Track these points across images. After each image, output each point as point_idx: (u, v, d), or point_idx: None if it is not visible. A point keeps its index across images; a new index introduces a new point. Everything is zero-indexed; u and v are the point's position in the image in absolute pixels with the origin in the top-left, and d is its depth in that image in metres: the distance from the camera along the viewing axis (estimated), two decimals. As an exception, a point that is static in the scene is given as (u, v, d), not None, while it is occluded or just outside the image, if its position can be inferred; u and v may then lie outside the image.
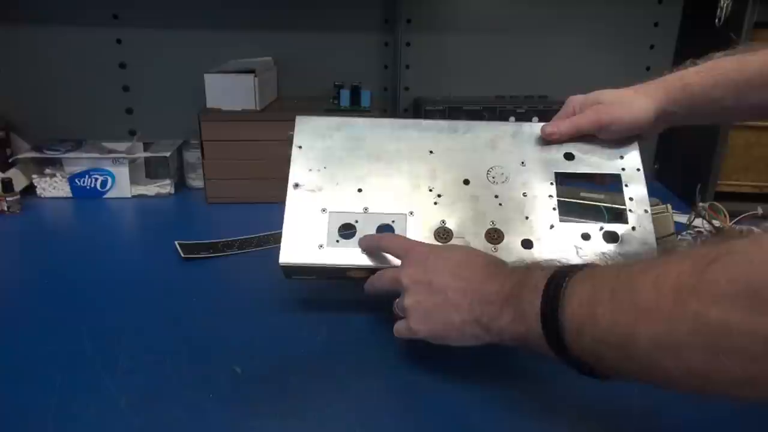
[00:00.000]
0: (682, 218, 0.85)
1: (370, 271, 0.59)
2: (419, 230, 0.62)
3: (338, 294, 0.71)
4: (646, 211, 0.63)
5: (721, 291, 0.32)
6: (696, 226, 0.81)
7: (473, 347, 0.50)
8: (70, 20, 1.08)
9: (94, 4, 1.08)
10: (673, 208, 0.72)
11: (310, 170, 0.65)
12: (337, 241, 0.61)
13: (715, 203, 0.79)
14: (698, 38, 1.12)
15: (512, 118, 0.70)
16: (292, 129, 0.68)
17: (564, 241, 0.61)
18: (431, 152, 0.66)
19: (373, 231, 0.62)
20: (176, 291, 0.72)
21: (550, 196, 0.63)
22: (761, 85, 0.61)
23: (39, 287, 0.73)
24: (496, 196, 0.63)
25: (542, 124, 0.67)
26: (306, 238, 0.61)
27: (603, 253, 0.60)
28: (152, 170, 1.09)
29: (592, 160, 0.65)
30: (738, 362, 0.31)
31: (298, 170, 0.65)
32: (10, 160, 1.05)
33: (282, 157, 0.66)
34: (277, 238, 0.67)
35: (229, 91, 1.01)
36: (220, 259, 0.81)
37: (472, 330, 0.49)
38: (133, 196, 1.06)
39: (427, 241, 0.60)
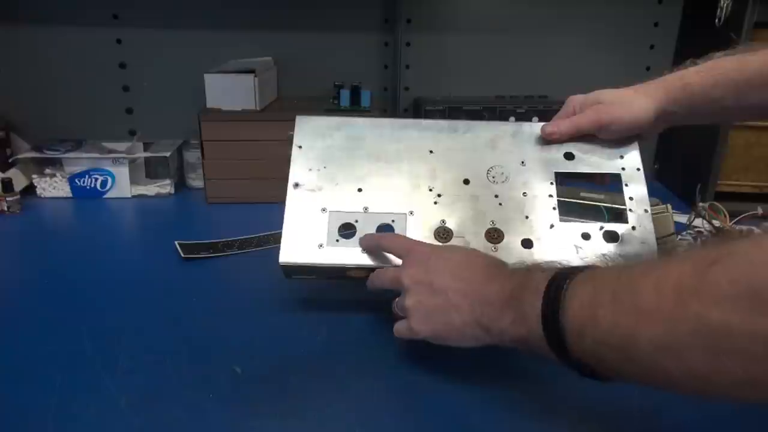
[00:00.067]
0: (682, 218, 0.85)
1: (370, 270, 0.59)
2: (419, 230, 0.62)
3: (338, 294, 0.71)
4: (646, 210, 0.63)
5: (722, 292, 0.32)
6: (696, 226, 0.81)
7: (473, 348, 0.50)
8: (70, 20, 1.08)
9: (94, 4, 1.08)
10: (673, 208, 0.72)
11: (310, 170, 0.65)
12: (337, 240, 0.61)
13: (715, 203, 0.79)
14: (698, 38, 1.12)
15: (512, 118, 0.69)
16: (292, 129, 0.68)
17: (564, 241, 0.61)
18: (431, 152, 0.66)
19: (373, 231, 0.62)
20: (176, 291, 0.72)
21: (550, 195, 0.63)
22: (761, 85, 0.61)
23: (39, 287, 0.73)
24: (496, 196, 0.63)
25: (542, 123, 0.67)
26: (306, 238, 0.61)
27: (603, 254, 0.60)
28: (152, 170, 1.09)
29: (592, 160, 0.65)
30: (739, 363, 0.31)
31: (298, 170, 0.65)
32: (10, 160, 1.05)
33: (282, 157, 0.66)
34: (277, 238, 0.67)
35: (229, 91, 1.01)
36: (220, 259, 0.81)
37: (472, 331, 0.49)
38: (133, 196, 1.06)
39: (427, 241, 0.60)
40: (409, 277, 0.53)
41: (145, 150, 1.09)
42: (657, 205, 0.69)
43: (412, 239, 0.59)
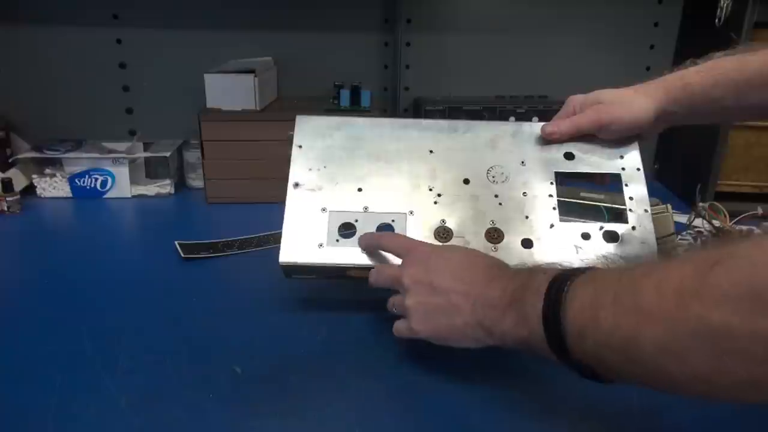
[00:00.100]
0: (682, 218, 0.85)
1: (370, 270, 0.59)
2: (419, 230, 0.61)
3: (338, 294, 0.71)
4: (646, 210, 0.63)
5: (723, 294, 0.32)
6: (696, 226, 0.81)
7: (474, 347, 0.50)
8: (70, 20, 1.08)
9: (94, 4, 1.08)
10: (673, 208, 0.72)
11: (310, 170, 0.65)
12: (337, 240, 0.61)
13: (715, 203, 0.79)
14: (698, 38, 1.12)
15: (512, 118, 0.70)
16: (292, 129, 0.68)
17: (564, 241, 0.61)
18: (431, 152, 0.66)
19: (373, 230, 0.62)
20: (176, 291, 0.72)
21: (550, 195, 0.63)
22: (761, 85, 0.61)
23: (39, 287, 0.73)
24: (496, 196, 0.63)
25: (542, 123, 0.67)
26: (306, 238, 0.61)
27: (604, 256, 0.60)
28: (152, 170, 1.09)
29: (592, 160, 0.65)
30: (742, 365, 0.31)
31: (298, 170, 0.65)
32: (10, 160, 1.05)
33: (282, 157, 0.66)
34: (277, 238, 0.67)
35: (229, 91, 1.01)
36: (220, 259, 0.81)
37: (473, 333, 0.48)
38: (133, 196, 1.06)
39: (427, 241, 0.60)
40: (409, 277, 0.52)
41: (145, 150, 1.09)
42: (657, 205, 0.69)
43: (412, 239, 0.59)
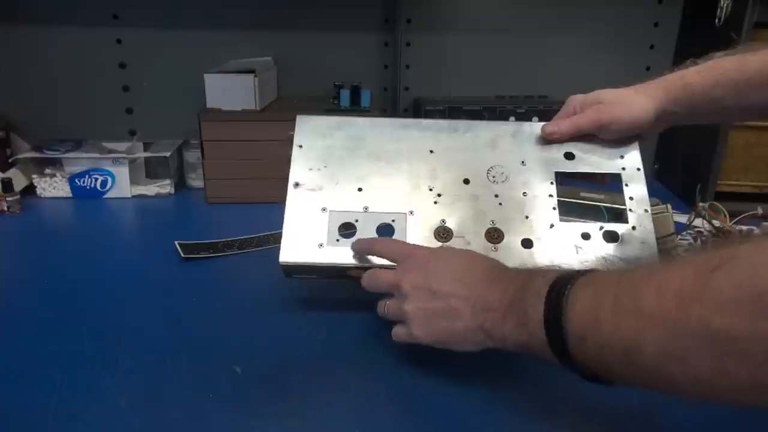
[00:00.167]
0: (682, 218, 0.85)
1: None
2: (419, 229, 0.61)
3: (338, 294, 0.71)
4: (646, 210, 0.63)
5: (724, 297, 0.31)
6: (696, 226, 0.81)
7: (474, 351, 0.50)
8: (70, 20, 1.08)
9: (94, 4, 1.08)
10: (673, 208, 0.72)
11: (311, 169, 0.65)
12: (337, 240, 0.61)
13: (715, 203, 0.79)
14: (698, 38, 1.12)
15: (512, 118, 0.70)
16: (293, 129, 0.68)
17: (564, 241, 0.61)
18: (431, 152, 0.66)
19: (373, 230, 0.62)
20: (176, 291, 0.72)
21: (550, 195, 0.63)
22: (761, 85, 0.61)
23: (39, 287, 0.73)
24: (496, 196, 0.63)
25: (542, 123, 0.67)
26: (306, 237, 0.61)
27: (604, 258, 0.60)
28: (152, 170, 1.09)
29: (592, 160, 0.65)
30: (743, 367, 0.31)
31: (298, 169, 0.65)
32: (10, 160, 1.05)
33: (282, 157, 0.66)
34: (277, 238, 0.67)
35: (229, 91, 1.01)
36: (220, 259, 0.81)
37: (474, 336, 0.48)
38: (133, 196, 1.06)
39: (427, 241, 0.60)
40: (408, 282, 0.52)
41: (145, 150, 1.09)
42: (657, 205, 0.69)
43: (407, 243, 0.59)
